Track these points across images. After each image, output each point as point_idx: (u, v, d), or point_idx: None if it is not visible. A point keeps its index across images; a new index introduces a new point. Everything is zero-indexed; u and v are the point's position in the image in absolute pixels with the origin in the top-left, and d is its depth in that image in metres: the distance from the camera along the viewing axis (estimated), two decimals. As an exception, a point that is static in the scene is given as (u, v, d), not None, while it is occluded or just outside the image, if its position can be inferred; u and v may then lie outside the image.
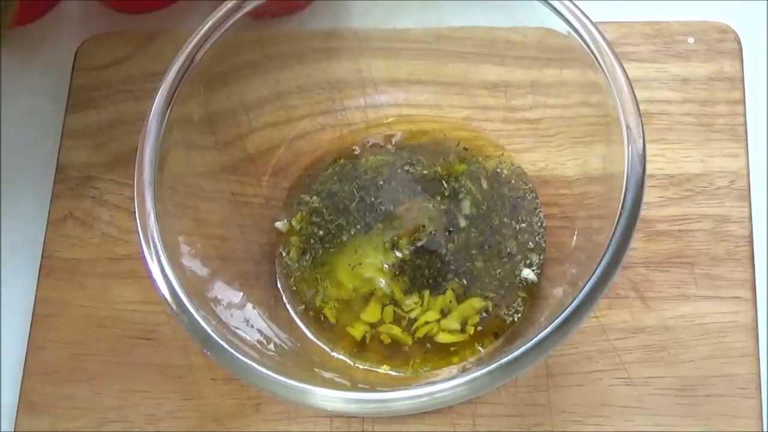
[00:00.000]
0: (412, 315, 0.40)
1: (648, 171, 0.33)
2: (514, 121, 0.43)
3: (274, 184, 0.43)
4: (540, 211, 0.42)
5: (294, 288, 0.42)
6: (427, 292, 0.40)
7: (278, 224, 0.43)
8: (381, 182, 0.43)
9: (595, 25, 0.35)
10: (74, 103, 0.47)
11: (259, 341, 0.37)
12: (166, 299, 0.33)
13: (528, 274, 0.40)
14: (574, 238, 0.39)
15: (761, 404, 0.38)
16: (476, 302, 0.40)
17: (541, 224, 0.41)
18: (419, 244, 0.41)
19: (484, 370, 0.31)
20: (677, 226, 0.42)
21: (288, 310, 0.41)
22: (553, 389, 0.39)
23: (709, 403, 0.39)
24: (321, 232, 0.42)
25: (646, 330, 0.40)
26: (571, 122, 0.40)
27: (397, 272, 0.41)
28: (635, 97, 0.34)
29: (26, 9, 0.50)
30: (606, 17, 0.44)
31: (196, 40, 0.37)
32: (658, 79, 0.44)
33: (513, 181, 0.43)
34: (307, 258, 0.42)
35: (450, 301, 0.40)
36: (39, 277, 0.43)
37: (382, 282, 0.41)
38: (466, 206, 0.42)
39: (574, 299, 0.31)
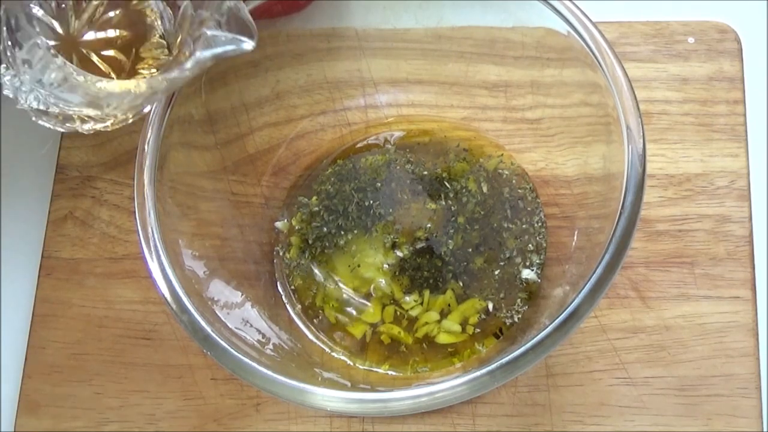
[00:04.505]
0: (413, 313, 0.40)
1: (648, 171, 0.33)
2: (514, 121, 0.43)
3: (274, 184, 0.43)
4: (540, 211, 0.42)
5: (294, 288, 0.42)
6: (427, 292, 0.40)
7: (278, 224, 0.43)
8: (381, 182, 0.43)
9: (595, 25, 0.35)
10: (74, 103, 0.47)
11: (258, 341, 0.37)
12: (166, 299, 0.33)
13: (528, 274, 0.40)
14: (574, 238, 0.39)
15: (761, 404, 0.38)
16: (476, 302, 0.40)
17: (542, 224, 0.41)
18: (419, 245, 0.41)
19: (484, 370, 0.31)
20: (677, 226, 0.42)
21: (288, 310, 0.41)
22: (553, 389, 0.39)
23: (708, 403, 0.39)
24: (321, 232, 0.42)
25: (646, 330, 0.40)
26: (571, 122, 0.40)
27: (397, 272, 0.41)
28: (635, 97, 0.34)
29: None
30: (606, 17, 0.44)
31: (196, 39, 0.37)
32: (658, 79, 0.44)
33: (513, 181, 0.43)
34: (307, 257, 0.42)
35: (450, 302, 0.40)
36: (39, 277, 0.43)
37: (382, 282, 0.41)
38: (467, 206, 0.42)
39: (574, 299, 0.31)
